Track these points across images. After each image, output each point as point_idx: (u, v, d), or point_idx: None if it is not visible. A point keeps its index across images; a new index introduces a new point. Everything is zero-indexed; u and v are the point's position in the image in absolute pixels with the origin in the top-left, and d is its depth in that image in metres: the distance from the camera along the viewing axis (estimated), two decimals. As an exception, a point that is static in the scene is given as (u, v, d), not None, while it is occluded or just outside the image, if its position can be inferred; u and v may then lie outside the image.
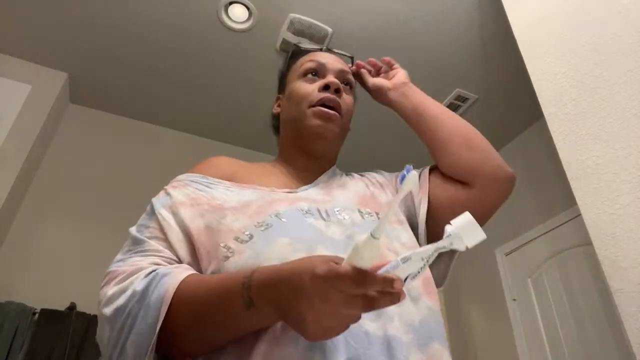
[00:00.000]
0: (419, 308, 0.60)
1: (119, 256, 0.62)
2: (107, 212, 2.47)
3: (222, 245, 0.60)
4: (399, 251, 0.65)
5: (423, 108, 0.82)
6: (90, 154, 2.62)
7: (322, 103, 0.78)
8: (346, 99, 0.82)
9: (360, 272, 0.40)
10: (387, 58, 0.92)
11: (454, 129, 0.79)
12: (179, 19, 2.22)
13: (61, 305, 2.08)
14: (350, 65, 0.92)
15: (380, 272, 0.42)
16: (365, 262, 0.41)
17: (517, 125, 2.84)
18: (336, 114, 0.78)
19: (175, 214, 0.65)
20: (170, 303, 0.51)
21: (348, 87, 0.86)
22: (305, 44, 0.96)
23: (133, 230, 0.65)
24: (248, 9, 2.17)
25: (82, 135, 2.65)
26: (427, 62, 2.44)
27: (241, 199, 0.67)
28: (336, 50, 0.92)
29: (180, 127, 2.94)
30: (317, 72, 0.83)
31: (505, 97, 2.64)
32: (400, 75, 0.88)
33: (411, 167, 0.46)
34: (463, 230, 0.43)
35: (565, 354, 2.26)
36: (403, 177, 0.45)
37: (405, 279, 0.43)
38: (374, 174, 0.88)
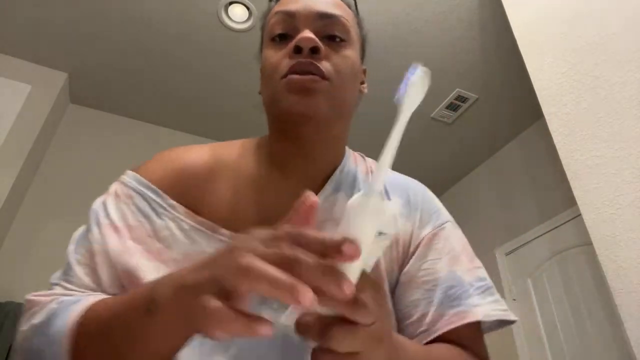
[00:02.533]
0: None
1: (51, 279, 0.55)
2: (107, 212, 2.47)
3: None
4: None
5: None
6: (90, 154, 2.62)
7: (293, 72, 0.54)
8: (334, 57, 0.56)
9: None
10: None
11: None
12: (179, 19, 2.22)
13: (61, 305, 2.08)
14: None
15: None
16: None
17: (517, 125, 2.83)
18: (315, 77, 0.53)
19: (105, 238, 0.53)
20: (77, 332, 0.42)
21: (338, 40, 0.58)
22: None
23: (70, 249, 0.56)
24: (248, 9, 2.17)
25: (82, 135, 2.65)
26: (427, 62, 2.43)
27: (188, 249, 0.52)
28: None
29: (180, 127, 2.94)
30: (288, 29, 0.58)
31: (505, 97, 2.64)
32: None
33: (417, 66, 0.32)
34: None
35: (565, 354, 2.26)
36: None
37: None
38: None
